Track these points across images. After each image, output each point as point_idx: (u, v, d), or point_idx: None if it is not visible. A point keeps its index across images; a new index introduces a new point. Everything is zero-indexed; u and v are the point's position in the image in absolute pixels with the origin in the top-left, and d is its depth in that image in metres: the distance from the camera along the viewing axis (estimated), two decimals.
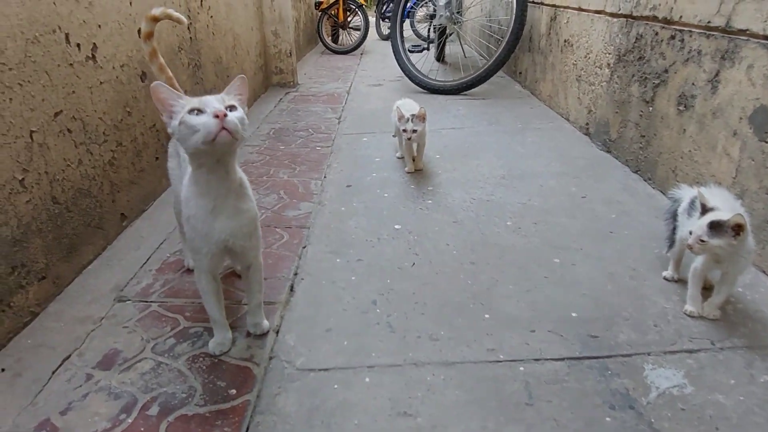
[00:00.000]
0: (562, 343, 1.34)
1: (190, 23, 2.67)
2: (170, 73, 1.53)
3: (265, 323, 1.42)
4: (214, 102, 1.05)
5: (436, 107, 3.69)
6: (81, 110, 1.70)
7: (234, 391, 1.21)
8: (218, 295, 1.31)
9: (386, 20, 8.23)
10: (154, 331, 1.43)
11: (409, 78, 4.25)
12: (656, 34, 2.16)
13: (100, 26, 1.82)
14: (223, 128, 1.02)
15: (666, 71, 2.09)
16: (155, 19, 1.46)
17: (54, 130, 1.57)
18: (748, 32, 1.62)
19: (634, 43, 2.34)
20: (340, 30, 7.25)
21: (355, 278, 1.67)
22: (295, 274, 1.71)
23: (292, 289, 1.63)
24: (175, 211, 1.63)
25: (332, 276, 1.69)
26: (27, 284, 1.44)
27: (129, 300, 1.57)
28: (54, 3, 1.57)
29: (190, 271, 1.71)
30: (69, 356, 1.34)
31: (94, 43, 1.79)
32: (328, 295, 1.59)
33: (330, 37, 7.13)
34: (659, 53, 2.13)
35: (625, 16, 2.43)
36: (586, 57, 2.90)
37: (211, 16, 3.04)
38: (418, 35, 7.32)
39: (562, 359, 1.28)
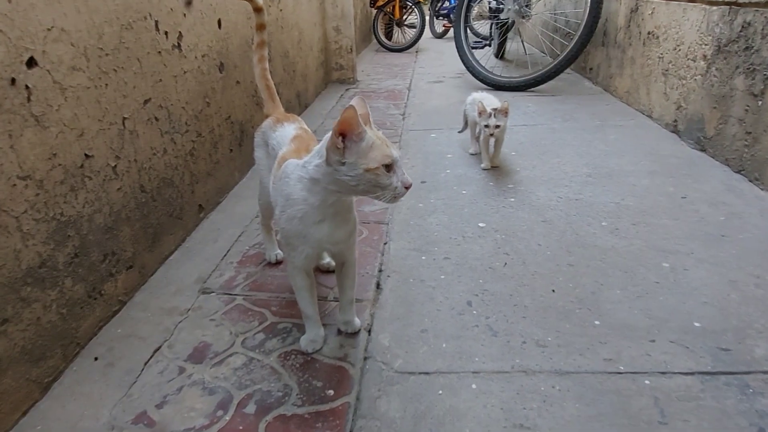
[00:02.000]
0: (688, 355, 1.20)
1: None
2: (267, 66, 1.50)
3: (357, 321, 1.34)
4: (400, 163, 1.03)
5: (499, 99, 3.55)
6: (167, 99, 1.68)
7: (332, 392, 1.14)
8: (312, 291, 1.24)
9: (440, 18, 8.12)
10: (241, 325, 1.37)
11: (473, 74, 4.13)
12: None
13: (185, 15, 1.80)
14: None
15: None
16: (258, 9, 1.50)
17: (143, 118, 1.54)
18: None
19: (740, 32, 2.15)
20: (395, 27, 7.18)
21: (444, 277, 1.57)
22: (380, 270, 1.63)
23: (378, 286, 1.55)
24: (260, 203, 1.58)
25: (420, 274, 1.60)
26: (116, 272, 1.41)
27: (213, 292, 1.53)
28: None
29: (271, 264, 1.66)
30: (159, 347, 1.30)
31: (180, 32, 1.76)
32: (418, 294, 1.50)
33: (384, 35, 7.07)
34: None
35: (728, 3, 2.24)
36: (675, 49, 2.71)
37: (281, 10, 3.02)
38: (474, 32, 7.17)
39: (692, 373, 1.15)
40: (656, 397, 1.08)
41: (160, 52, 1.63)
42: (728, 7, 2.24)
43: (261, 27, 1.54)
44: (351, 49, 4.44)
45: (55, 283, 1.18)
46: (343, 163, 1.00)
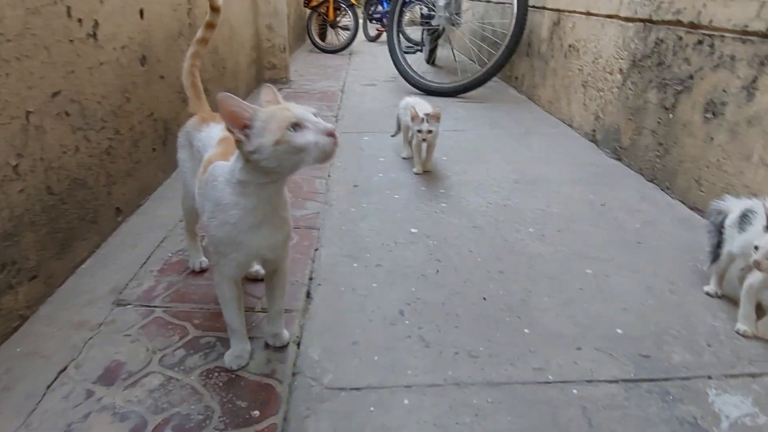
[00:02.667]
0: (612, 362, 1.24)
1: (190, 8, 2.50)
2: (198, 64, 1.43)
3: (286, 334, 1.28)
4: (308, 115, 0.94)
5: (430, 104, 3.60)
6: (80, 92, 1.54)
7: (257, 413, 1.07)
8: (240, 302, 1.18)
9: (374, 21, 8.12)
10: (160, 341, 1.28)
11: (405, 78, 4.15)
12: (680, 38, 2.10)
13: (101, 2, 1.66)
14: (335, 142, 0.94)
15: (691, 77, 2.03)
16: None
17: (51, 112, 1.40)
18: None
19: (653, 48, 2.29)
20: (329, 28, 7.11)
21: (376, 285, 1.55)
22: (311, 279, 1.58)
23: (308, 295, 1.50)
24: (184, 207, 1.48)
25: (351, 282, 1.56)
26: (17, 284, 1.27)
27: (130, 304, 1.41)
28: None
29: (196, 272, 1.56)
30: (65, 368, 1.18)
31: (96, 20, 1.62)
32: (349, 304, 1.46)
33: (318, 36, 6.98)
34: (683, 59, 2.08)
35: (642, 20, 2.38)
36: (594, 62, 2.85)
37: None
38: (407, 38, 7.22)
39: (617, 381, 1.19)
40: (584, 407, 1.11)
41: (72, 40, 1.49)
42: (642, 23, 2.38)
43: (211, 26, 1.44)
44: (284, 48, 4.34)
45: None
46: (254, 151, 0.94)
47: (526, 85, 4.01)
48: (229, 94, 0.94)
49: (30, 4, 1.30)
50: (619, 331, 1.36)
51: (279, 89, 4.14)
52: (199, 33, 1.43)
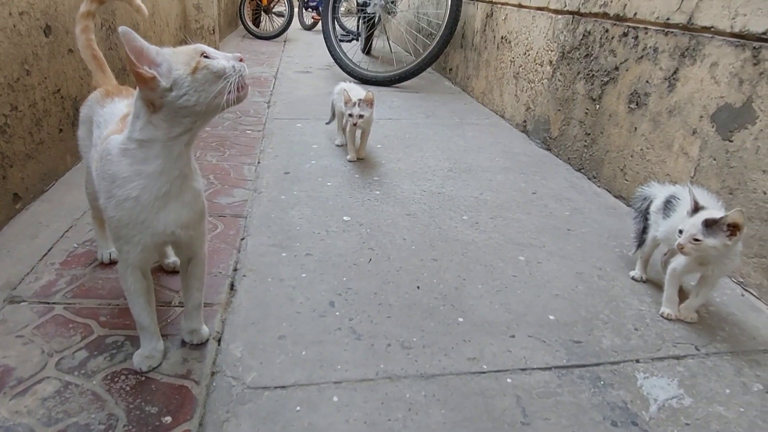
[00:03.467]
0: (545, 349, 1.23)
1: None
2: (92, 36, 1.28)
3: (205, 330, 1.18)
4: (215, 50, 0.90)
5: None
6: None
7: (169, 419, 0.97)
8: (149, 296, 1.06)
9: (309, 9, 7.94)
10: (58, 342, 1.13)
11: (341, 66, 4.06)
12: (606, 31, 2.15)
13: None
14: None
15: (616, 69, 2.08)
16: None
17: None
18: (712, 29, 1.62)
19: (581, 40, 2.33)
20: (263, 14, 6.86)
21: (306, 275, 1.46)
22: (235, 270, 1.47)
23: (232, 287, 1.40)
24: (87, 191, 1.34)
25: (279, 272, 1.47)
26: None
27: (24, 301, 1.25)
28: None
29: (104, 264, 1.42)
30: None
31: None
32: (276, 295, 1.37)
33: (251, 21, 6.71)
34: (609, 50, 2.13)
35: (571, 12, 2.42)
36: (525, 54, 2.88)
37: None
38: (342, 26, 7.11)
39: (550, 368, 1.17)
40: (518, 396, 1.08)
41: None
42: (571, 16, 2.41)
43: (99, 1, 1.30)
44: (213, 30, 4.12)
45: None
46: (169, 89, 0.86)
47: (460, 77, 4.02)
48: (129, 29, 0.82)
49: None
50: (551, 317, 1.35)
51: None
52: (83, 7, 1.27)
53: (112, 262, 1.42)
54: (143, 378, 1.06)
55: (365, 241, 1.66)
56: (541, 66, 2.69)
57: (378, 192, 2.03)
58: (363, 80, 3.91)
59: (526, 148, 2.66)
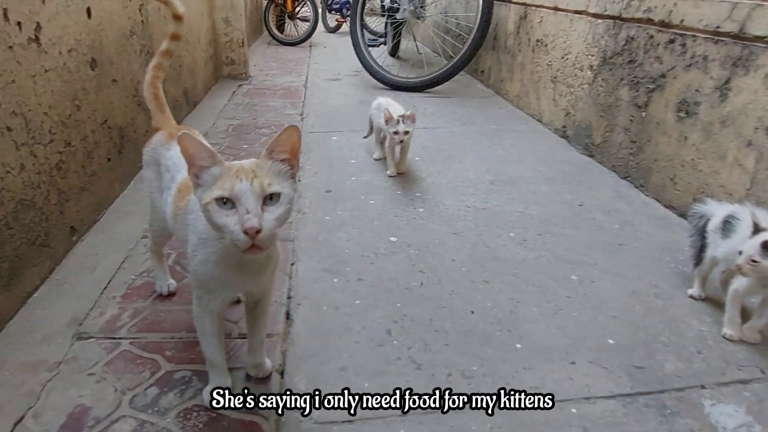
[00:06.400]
0: (608, 376, 1.21)
1: (142, 4, 2.34)
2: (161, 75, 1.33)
3: (268, 363, 1.20)
4: (248, 197, 0.82)
5: (403, 104, 3.52)
6: (23, 104, 1.39)
7: None
8: (220, 336, 1.09)
9: (333, 12, 7.95)
10: (129, 379, 1.17)
11: (370, 73, 4.06)
12: (651, 37, 2.10)
13: (43, 2, 1.50)
14: (254, 245, 0.82)
15: (663, 76, 2.03)
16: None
17: None
18: (766, 39, 1.57)
19: (624, 45, 2.28)
20: (287, 20, 6.91)
21: (359, 302, 1.47)
22: (289, 297, 1.49)
23: (288, 316, 1.41)
24: (152, 228, 1.37)
25: (333, 299, 1.48)
26: None
27: (92, 337, 1.29)
28: None
29: (163, 297, 1.45)
30: (21, 419, 1.06)
31: (38, 23, 1.47)
32: (333, 324, 1.38)
33: (276, 27, 6.77)
34: (655, 57, 2.07)
35: (612, 17, 2.37)
36: (563, 58, 2.83)
37: None
38: (369, 31, 7.11)
39: (614, 396, 1.16)
40: (584, 427, 1.07)
41: (11, 47, 1.34)
42: (612, 21, 2.36)
43: (176, 38, 1.35)
44: (242, 42, 4.16)
45: None
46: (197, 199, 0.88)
47: (493, 79, 3.98)
48: (188, 133, 0.86)
49: None
50: (610, 341, 1.33)
51: (239, 85, 4.00)
52: (164, 45, 1.33)
53: (171, 294, 1.45)
54: (214, 414, 1.08)
55: (415, 264, 1.66)
56: (581, 71, 2.64)
57: (422, 209, 2.03)
58: (393, 86, 3.90)
59: (568, 155, 2.62)
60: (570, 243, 1.79)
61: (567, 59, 2.79)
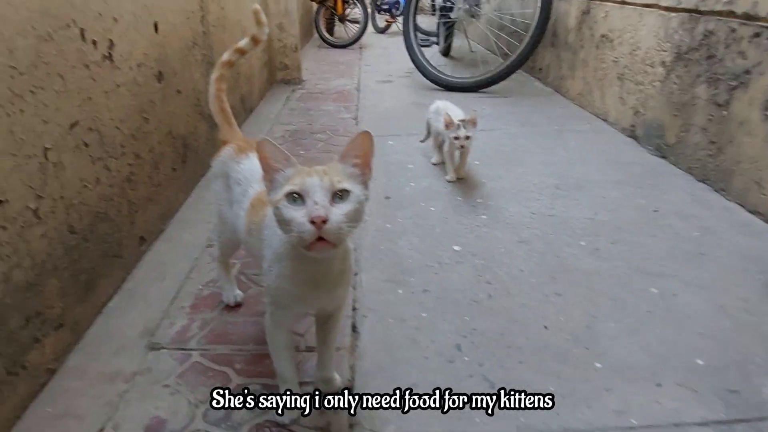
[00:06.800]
0: (699, 400, 1.12)
1: (203, 15, 2.38)
2: (224, 87, 1.34)
3: (338, 378, 1.18)
4: (317, 191, 0.82)
5: (459, 107, 3.46)
6: (98, 119, 1.43)
7: None
8: (292, 351, 1.09)
9: (382, 12, 7.95)
10: (202, 391, 1.17)
11: (423, 74, 4.01)
12: (733, 31, 1.95)
13: (116, 19, 1.54)
14: (320, 238, 0.80)
15: (747, 72, 1.88)
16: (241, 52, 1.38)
17: (69, 145, 1.29)
18: None
19: (701, 40, 2.13)
20: (337, 22, 6.95)
21: (426, 315, 1.43)
22: (354, 309, 1.47)
23: (354, 329, 1.39)
24: (220, 239, 1.39)
25: (398, 312, 1.45)
26: (43, 336, 1.17)
27: (164, 348, 1.31)
28: None
29: (230, 307, 1.46)
30: (102, 430, 1.08)
31: (111, 40, 1.51)
32: (400, 338, 1.35)
33: (326, 30, 6.82)
34: (737, 52, 1.93)
35: (687, 10, 2.22)
36: (631, 54, 2.69)
37: (222, 7, 2.75)
38: (421, 31, 7.05)
39: (707, 424, 1.07)
40: None
41: (87, 65, 1.38)
42: (688, 14, 2.22)
43: (241, 52, 1.37)
44: (296, 47, 4.21)
45: None
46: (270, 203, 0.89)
47: (552, 77, 3.85)
48: (267, 139, 0.86)
49: (41, 31, 1.19)
50: (699, 361, 1.24)
51: (293, 90, 4.04)
52: (226, 55, 1.34)
53: (237, 305, 1.46)
54: (285, 431, 1.07)
55: (481, 274, 1.60)
56: (652, 67, 2.50)
57: (485, 216, 1.97)
58: (447, 87, 3.84)
59: (637, 156, 2.49)
60: (646, 252, 1.69)
61: (636, 55, 2.65)
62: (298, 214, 0.82)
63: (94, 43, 1.42)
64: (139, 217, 1.67)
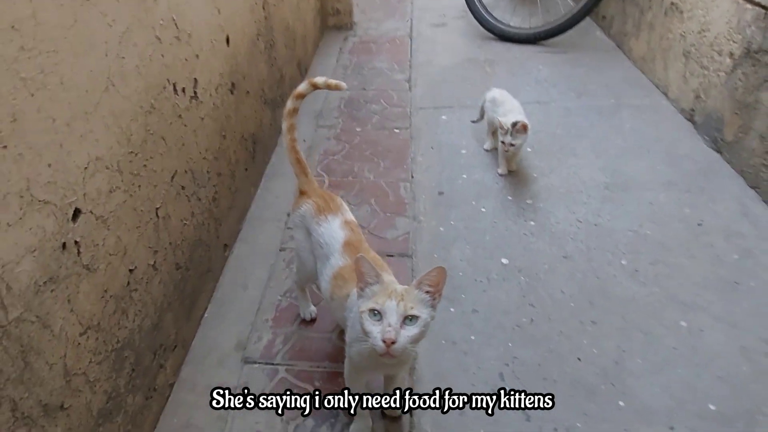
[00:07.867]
0: None
1: (265, 1, 2.42)
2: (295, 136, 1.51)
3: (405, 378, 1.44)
4: (393, 314, 1.04)
5: (514, 65, 3.43)
6: (190, 160, 1.61)
7: None
8: (364, 386, 1.34)
9: None
10: (289, 409, 1.46)
11: (478, 21, 3.89)
12: None
13: (197, 56, 1.66)
14: (388, 353, 1.03)
15: None
16: (300, 96, 1.51)
17: (171, 195, 1.50)
18: None
19: None
20: None
21: (474, 338, 1.65)
22: None
23: None
24: (299, 275, 1.61)
25: (450, 333, 1.67)
26: (164, 361, 1.46)
27: (256, 362, 1.59)
28: (162, 55, 1.42)
29: (306, 322, 1.71)
30: None
31: (195, 79, 1.65)
32: (451, 362, 1.58)
33: None
34: None
35: (765, 7, 2.11)
36: (700, 33, 2.58)
37: None
38: None
39: None
40: None
41: (180, 115, 1.54)
42: (765, 11, 2.11)
43: (301, 97, 1.51)
44: (350, 12, 4.13)
45: (119, 407, 1.23)
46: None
47: (615, 30, 3.68)
48: (364, 257, 1.06)
49: (147, 105, 1.34)
50: (711, 407, 1.42)
51: (345, 38, 4.02)
52: (290, 104, 1.50)
53: (313, 320, 1.71)
54: None
55: (525, 295, 1.78)
56: (719, 55, 2.42)
57: (533, 223, 2.10)
58: (504, 37, 3.75)
59: (693, 147, 2.49)
60: (683, 277, 1.81)
61: (704, 36, 2.54)
62: (375, 329, 1.05)
63: (183, 90, 1.56)
64: (222, 229, 1.90)
